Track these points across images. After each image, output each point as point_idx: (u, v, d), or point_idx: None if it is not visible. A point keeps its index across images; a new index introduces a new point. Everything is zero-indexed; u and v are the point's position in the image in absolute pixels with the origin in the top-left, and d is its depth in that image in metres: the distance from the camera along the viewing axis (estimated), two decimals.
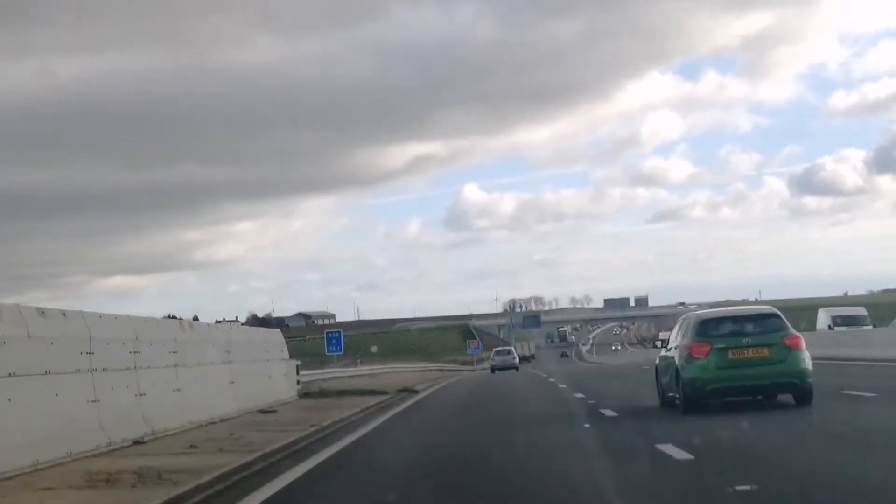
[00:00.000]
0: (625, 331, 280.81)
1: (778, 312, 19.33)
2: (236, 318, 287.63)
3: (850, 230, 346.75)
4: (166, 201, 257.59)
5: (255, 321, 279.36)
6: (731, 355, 18.29)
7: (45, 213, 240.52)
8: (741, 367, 18.21)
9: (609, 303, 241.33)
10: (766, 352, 18.33)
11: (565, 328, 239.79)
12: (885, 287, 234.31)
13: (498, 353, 79.06)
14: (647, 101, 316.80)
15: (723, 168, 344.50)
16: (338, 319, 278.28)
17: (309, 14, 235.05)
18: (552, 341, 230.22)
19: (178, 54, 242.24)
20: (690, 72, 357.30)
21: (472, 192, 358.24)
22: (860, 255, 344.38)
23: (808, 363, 18.59)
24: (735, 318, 19.42)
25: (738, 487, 9.42)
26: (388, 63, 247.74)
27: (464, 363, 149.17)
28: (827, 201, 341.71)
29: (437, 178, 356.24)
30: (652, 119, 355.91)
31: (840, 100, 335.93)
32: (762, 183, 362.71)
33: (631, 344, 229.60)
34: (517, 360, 76.62)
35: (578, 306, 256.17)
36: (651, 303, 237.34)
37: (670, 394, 19.69)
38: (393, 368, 70.04)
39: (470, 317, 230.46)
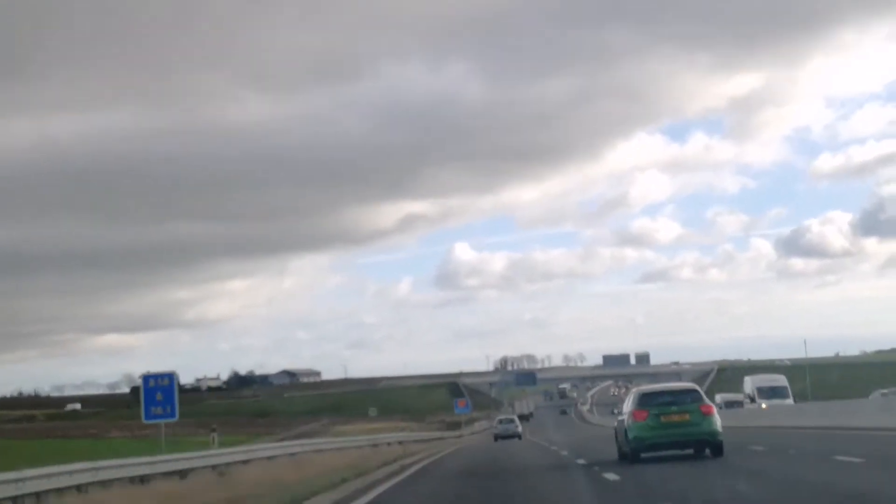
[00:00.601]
0: (623, 389, 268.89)
1: (697, 388, 28.30)
2: (217, 375, 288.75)
3: (836, 292, 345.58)
4: (158, 259, 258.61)
5: (237, 379, 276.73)
6: (662, 419, 26.36)
7: (36, 270, 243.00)
8: (670, 428, 26.23)
9: (608, 360, 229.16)
10: (687, 416, 26.40)
11: (565, 385, 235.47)
12: (878, 348, 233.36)
13: (501, 421, 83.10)
14: (636, 161, 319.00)
15: (710, 229, 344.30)
16: (324, 377, 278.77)
17: (298, 72, 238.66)
18: (551, 398, 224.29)
19: (169, 112, 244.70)
20: (678, 133, 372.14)
21: (463, 251, 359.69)
22: (847, 317, 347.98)
23: (719, 425, 26.61)
24: (666, 392, 27.98)
25: None
26: (378, 122, 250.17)
27: (450, 425, 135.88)
28: (813, 263, 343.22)
29: (427, 237, 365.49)
30: (640, 180, 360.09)
31: (826, 162, 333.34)
32: (749, 244, 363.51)
33: None
34: (520, 428, 79.16)
35: (572, 364, 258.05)
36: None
37: (624, 448, 27.33)
38: (350, 442, 55.82)
39: (459, 375, 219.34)
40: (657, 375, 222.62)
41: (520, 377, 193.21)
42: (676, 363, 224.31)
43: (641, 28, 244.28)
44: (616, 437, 28.77)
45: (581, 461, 29.83)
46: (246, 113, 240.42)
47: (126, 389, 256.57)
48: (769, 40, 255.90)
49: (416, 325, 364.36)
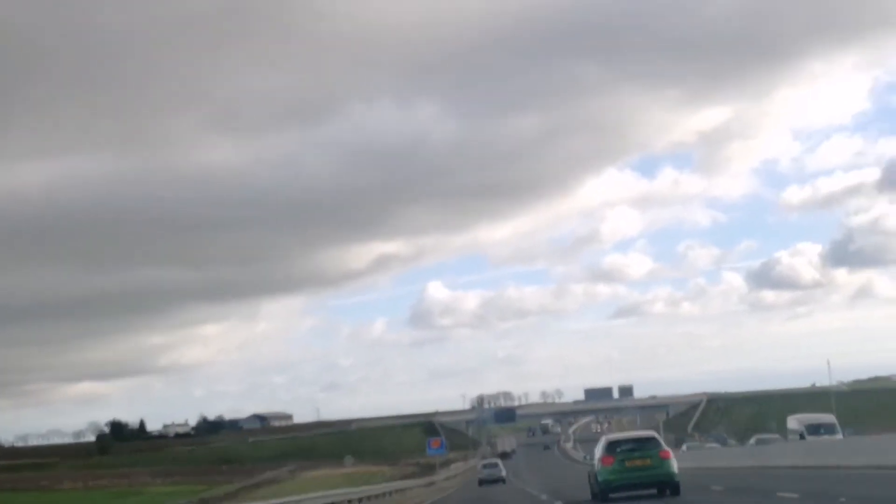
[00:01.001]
0: (605, 425, 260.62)
1: (656, 435, 32.61)
2: (185, 421, 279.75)
3: (808, 323, 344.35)
4: (129, 305, 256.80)
5: (206, 425, 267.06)
6: (627, 464, 30.65)
7: (4, 319, 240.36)
8: (633, 471, 30.44)
9: (591, 393, 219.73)
10: (648, 461, 30.51)
11: (547, 421, 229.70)
12: (854, 377, 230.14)
13: (485, 466, 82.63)
14: (606, 197, 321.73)
15: (681, 263, 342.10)
16: (296, 420, 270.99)
17: (267, 115, 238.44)
18: (533, 434, 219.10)
19: (138, 156, 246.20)
20: (647, 168, 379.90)
21: (436, 290, 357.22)
22: (820, 349, 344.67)
23: (675, 468, 30.89)
24: (630, 440, 32.49)
25: None
26: (348, 162, 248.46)
27: (425, 468, 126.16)
28: (785, 295, 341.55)
29: (400, 277, 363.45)
30: (611, 215, 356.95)
31: (794, 194, 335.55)
32: (721, 278, 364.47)
33: None
34: (503, 472, 78.90)
35: (550, 401, 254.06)
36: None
37: (594, 489, 31.79)
38: None
39: (435, 414, 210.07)
40: (644, 409, 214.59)
41: (498, 414, 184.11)
42: (654, 397, 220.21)
43: (609, 64, 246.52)
44: (589, 479, 33.29)
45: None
46: (216, 156, 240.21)
47: (92, 438, 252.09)
48: (736, 73, 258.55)
49: (391, 365, 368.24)
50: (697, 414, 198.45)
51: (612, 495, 30.84)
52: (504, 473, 78.15)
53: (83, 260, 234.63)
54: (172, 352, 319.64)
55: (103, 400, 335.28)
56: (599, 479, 31.18)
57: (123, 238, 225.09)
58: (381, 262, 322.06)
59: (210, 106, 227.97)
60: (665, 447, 31.34)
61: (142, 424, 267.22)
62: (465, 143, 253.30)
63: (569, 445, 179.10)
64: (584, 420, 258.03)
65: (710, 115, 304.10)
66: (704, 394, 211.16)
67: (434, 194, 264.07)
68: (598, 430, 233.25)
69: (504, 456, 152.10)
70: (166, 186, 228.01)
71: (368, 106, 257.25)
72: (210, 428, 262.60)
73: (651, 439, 31.81)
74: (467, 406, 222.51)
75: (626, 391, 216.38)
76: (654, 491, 31.31)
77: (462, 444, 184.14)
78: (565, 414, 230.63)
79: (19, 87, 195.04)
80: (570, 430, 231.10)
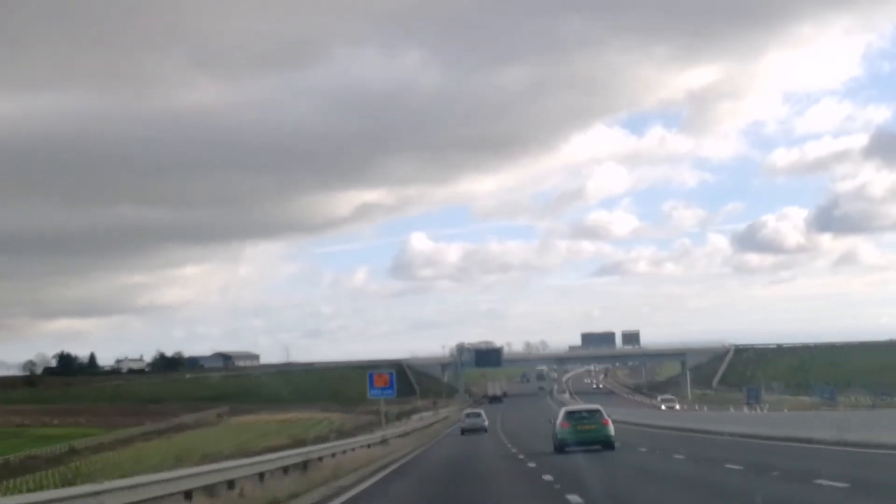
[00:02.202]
0: (601, 376, 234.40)
1: (600, 408, 42.28)
2: (141, 356, 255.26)
3: (790, 288, 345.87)
4: (108, 244, 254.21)
5: (163, 361, 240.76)
6: (578, 428, 40.14)
7: None
8: (582, 433, 39.84)
9: (589, 339, 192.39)
10: (593, 426, 40.17)
11: (542, 367, 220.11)
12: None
13: (469, 416, 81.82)
14: (593, 154, 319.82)
15: (667, 223, 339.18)
16: (263, 361, 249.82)
17: (251, 56, 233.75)
18: (527, 381, 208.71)
19: (118, 93, 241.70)
20: (636, 125, 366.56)
21: (419, 241, 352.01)
22: (802, 313, 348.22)
23: (612, 431, 40.30)
24: (582, 411, 42.51)
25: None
26: (331, 108, 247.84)
27: (369, 422, 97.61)
28: (769, 259, 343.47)
29: (383, 226, 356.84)
30: (597, 172, 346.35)
31: (782, 157, 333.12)
32: (706, 239, 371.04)
33: (632, 392, 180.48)
34: (486, 422, 77.89)
35: (534, 352, 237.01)
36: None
37: (555, 444, 40.85)
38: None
39: (407, 359, 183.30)
40: (658, 356, 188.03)
41: (481, 356, 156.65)
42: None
43: (598, 18, 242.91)
44: (552, 439, 42.25)
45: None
46: (198, 96, 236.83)
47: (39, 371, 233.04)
48: (726, 32, 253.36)
49: (371, 314, 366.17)
50: (724, 366, 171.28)
51: (567, 449, 39.61)
52: (486, 424, 76.89)
53: (62, 195, 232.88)
54: (152, 292, 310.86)
55: (82, 337, 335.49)
56: (558, 437, 40.92)
57: (103, 175, 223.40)
58: (364, 211, 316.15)
59: (194, 45, 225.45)
60: (606, 416, 41.42)
61: (92, 358, 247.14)
62: (450, 94, 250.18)
63: (565, 396, 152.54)
64: (575, 371, 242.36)
65: (699, 74, 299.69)
66: (731, 344, 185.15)
67: (418, 144, 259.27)
68: (595, 384, 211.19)
69: (494, 400, 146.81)
70: (147, 125, 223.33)
71: (353, 52, 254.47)
72: (168, 364, 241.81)
73: (597, 411, 42.05)
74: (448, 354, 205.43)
75: (632, 338, 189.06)
76: (598, 447, 39.52)
77: (435, 389, 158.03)
78: (561, 360, 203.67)
79: None
80: (564, 379, 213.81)
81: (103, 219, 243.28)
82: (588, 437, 39.69)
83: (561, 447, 39.84)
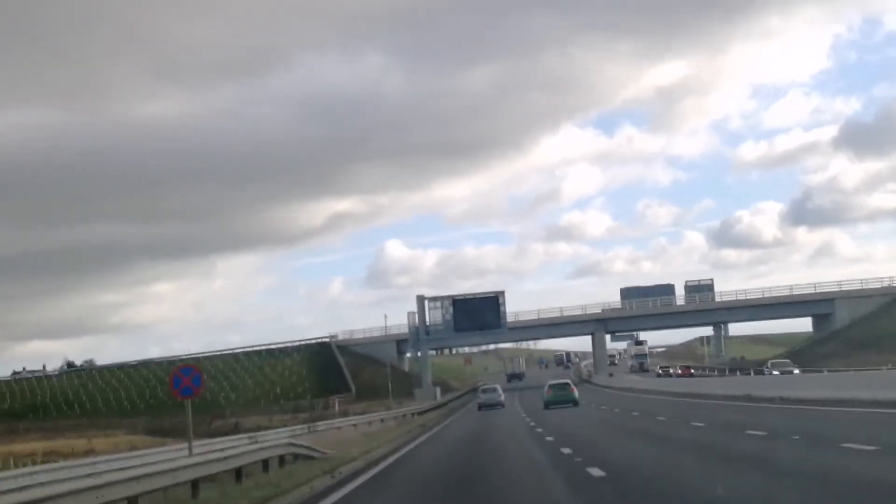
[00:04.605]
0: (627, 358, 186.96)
1: (569, 381, 72.78)
2: (43, 366, 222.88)
3: (769, 282, 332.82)
4: (77, 263, 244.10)
5: (68, 370, 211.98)
6: (556, 394, 65.94)
7: None
8: (559, 396, 65.03)
9: (631, 293, 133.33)
10: (564, 392, 65.87)
11: (562, 353, 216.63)
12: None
13: (485, 391, 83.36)
14: (564, 155, 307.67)
15: (642, 223, 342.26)
16: None
17: (212, 64, 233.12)
18: (545, 366, 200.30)
19: (78, 108, 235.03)
20: (606, 124, 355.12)
21: (393, 249, 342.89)
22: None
23: (577, 395, 65.45)
24: (557, 384, 68.69)
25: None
26: (297, 116, 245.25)
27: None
28: (745, 254, 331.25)
29: (356, 236, 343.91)
30: (570, 173, 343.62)
31: (753, 152, 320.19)
32: (682, 236, 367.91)
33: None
34: (502, 397, 79.16)
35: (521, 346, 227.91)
36: None
37: (543, 402, 65.53)
38: None
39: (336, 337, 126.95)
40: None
41: (463, 310, 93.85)
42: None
43: (564, 16, 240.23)
44: (542, 397, 66.54)
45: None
46: (160, 107, 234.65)
47: None
48: (693, 27, 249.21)
49: (348, 324, 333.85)
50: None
51: (550, 407, 62.26)
52: (503, 398, 79.14)
53: (25, 216, 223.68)
54: (125, 310, 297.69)
55: (56, 359, 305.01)
56: (545, 399, 65.18)
57: (68, 193, 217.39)
58: (336, 221, 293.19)
59: (154, 55, 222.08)
60: (573, 386, 68.77)
61: None
62: (418, 98, 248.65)
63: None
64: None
65: (666, 70, 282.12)
66: None
67: (388, 151, 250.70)
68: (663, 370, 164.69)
69: (513, 378, 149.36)
70: (110, 139, 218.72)
71: (316, 58, 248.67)
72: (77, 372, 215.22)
73: (567, 384, 68.88)
74: None
75: (703, 288, 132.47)
76: (569, 405, 62.28)
77: (384, 384, 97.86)
78: (600, 322, 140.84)
79: None
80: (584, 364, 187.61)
81: (71, 237, 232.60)
82: (562, 398, 64.47)
83: (546, 405, 64.22)
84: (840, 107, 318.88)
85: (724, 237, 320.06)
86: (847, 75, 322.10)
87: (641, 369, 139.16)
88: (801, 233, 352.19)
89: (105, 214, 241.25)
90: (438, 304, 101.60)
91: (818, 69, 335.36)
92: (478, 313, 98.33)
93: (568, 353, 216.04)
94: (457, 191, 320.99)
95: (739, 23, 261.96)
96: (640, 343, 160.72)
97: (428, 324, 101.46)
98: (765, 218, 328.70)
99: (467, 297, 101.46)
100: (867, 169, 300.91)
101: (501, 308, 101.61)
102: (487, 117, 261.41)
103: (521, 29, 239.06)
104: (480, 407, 76.52)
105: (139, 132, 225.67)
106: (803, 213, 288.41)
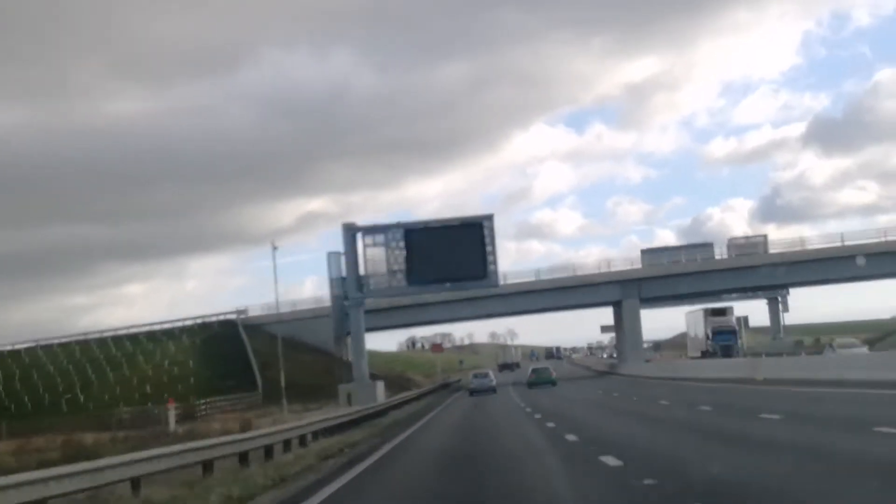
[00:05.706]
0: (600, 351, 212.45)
1: (549, 366, 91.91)
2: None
3: None
4: (44, 265, 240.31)
5: None
6: (539, 375, 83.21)
7: None
8: (540, 378, 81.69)
9: (653, 255, 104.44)
10: (545, 375, 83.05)
11: (552, 347, 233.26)
12: None
13: (476, 376, 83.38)
14: (535, 152, 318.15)
15: (612, 220, 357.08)
16: None
17: (177, 61, 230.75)
18: (536, 359, 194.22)
19: (40, 108, 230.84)
20: (575, 122, 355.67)
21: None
22: None
23: (554, 376, 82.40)
24: (540, 368, 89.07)
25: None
26: (266, 114, 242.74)
27: None
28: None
29: (329, 235, 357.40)
30: (541, 171, 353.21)
31: (723, 148, 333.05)
32: (653, 234, 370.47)
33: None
34: (494, 382, 79.14)
35: (500, 342, 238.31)
36: None
37: (528, 382, 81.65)
38: None
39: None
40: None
41: (441, 255, 54.29)
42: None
43: (534, 11, 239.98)
44: (528, 379, 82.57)
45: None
46: (125, 106, 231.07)
47: None
48: (662, 23, 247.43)
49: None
50: None
51: (533, 387, 75.38)
52: (494, 384, 79.02)
53: None
54: (95, 312, 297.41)
55: None
56: (529, 380, 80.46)
57: (33, 194, 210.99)
58: (308, 220, 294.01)
59: (117, 52, 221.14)
60: (552, 369, 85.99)
61: None
62: (387, 95, 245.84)
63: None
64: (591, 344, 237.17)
65: (636, 67, 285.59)
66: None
67: (359, 148, 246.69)
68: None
69: (505, 368, 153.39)
70: (75, 139, 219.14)
71: (284, 54, 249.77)
72: None
73: (547, 368, 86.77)
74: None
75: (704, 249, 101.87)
76: (549, 385, 76.37)
77: (300, 375, 67.01)
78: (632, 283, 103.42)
79: None
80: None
81: (37, 240, 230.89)
82: (543, 379, 79.40)
83: (530, 385, 77.67)
84: (809, 102, 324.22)
85: (695, 235, 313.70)
86: (816, 71, 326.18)
87: (726, 354, 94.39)
88: (771, 230, 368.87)
89: (72, 216, 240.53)
90: (381, 238, 60.67)
91: (788, 65, 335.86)
92: (449, 253, 59.02)
93: (558, 347, 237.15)
94: (429, 188, 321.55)
95: (708, 18, 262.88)
96: (720, 313, 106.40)
97: (363, 273, 62.24)
98: (735, 215, 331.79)
99: (431, 224, 60.57)
100: (836, 165, 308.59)
101: (488, 248, 60.76)
102: (459, 114, 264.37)
103: (492, 25, 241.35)
104: (472, 392, 76.47)
105: (105, 131, 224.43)
106: (773, 209, 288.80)
